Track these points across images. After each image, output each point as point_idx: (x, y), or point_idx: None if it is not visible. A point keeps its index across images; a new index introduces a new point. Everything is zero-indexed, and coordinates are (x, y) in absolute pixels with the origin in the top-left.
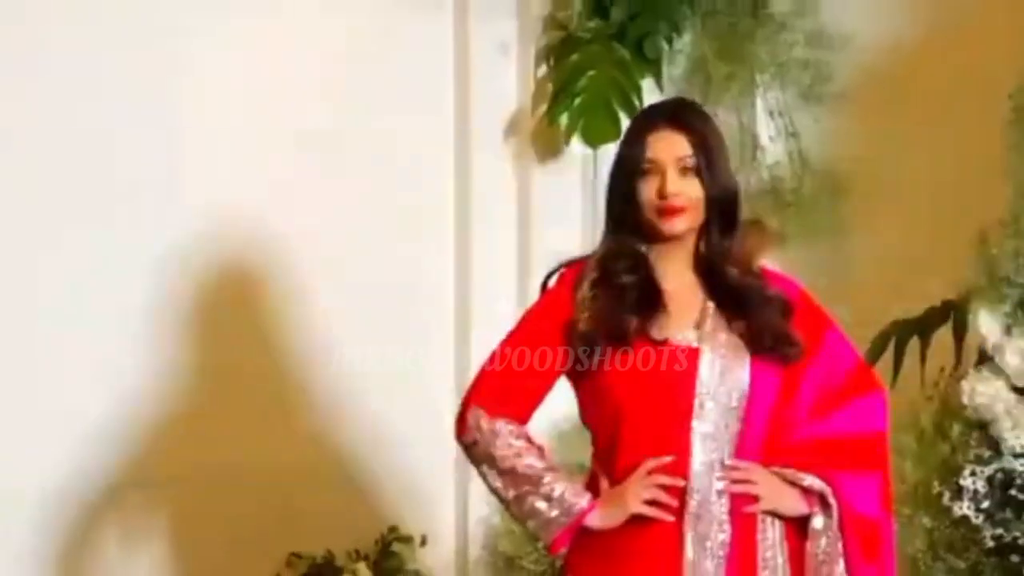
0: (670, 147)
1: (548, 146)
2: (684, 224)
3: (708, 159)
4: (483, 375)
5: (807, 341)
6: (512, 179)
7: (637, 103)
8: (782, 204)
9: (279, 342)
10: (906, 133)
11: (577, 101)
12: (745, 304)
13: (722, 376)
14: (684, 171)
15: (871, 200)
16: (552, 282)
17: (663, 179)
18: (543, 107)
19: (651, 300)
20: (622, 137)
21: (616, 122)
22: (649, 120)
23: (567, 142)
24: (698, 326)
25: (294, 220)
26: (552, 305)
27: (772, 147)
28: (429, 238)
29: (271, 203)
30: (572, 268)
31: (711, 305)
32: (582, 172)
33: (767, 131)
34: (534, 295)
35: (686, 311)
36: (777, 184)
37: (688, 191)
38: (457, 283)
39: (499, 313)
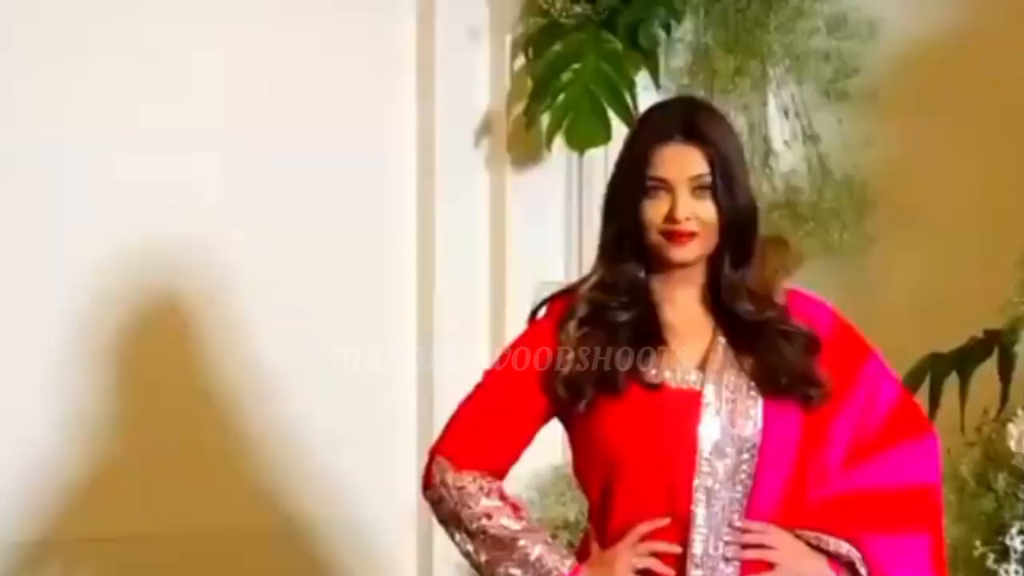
0: (683, 164)
1: (526, 150)
2: (695, 251)
3: (726, 177)
4: (452, 423)
5: (840, 377)
6: (484, 188)
7: (629, 101)
8: (799, 218)
9: (217, 382)
10: (943, 136)
11: (560, 98)
12: (759, 339)
13: (729, 423)
14: (697, 191)
15: (902, 214)
16: (541, 314)
17: (673, 200)
18: (520, 105)
19: (649, 338)
20: (624, 145)
21: (605, 123)
22: (658, 129)
23: (548, 146)
24: (703, 365)
25: (230, 239)
26: (534, 343)
27: (787, 152)
28: (388, 258)
29: (205, 219)
30: (562, 299)
31: (721, 341)
32: (565, 180)
33: (781, 134)
34: (509, 326)
35: (691, 348)
36: (793, 195)
37: (701, 214)
38: (420, 312)
39: (468, 349)
